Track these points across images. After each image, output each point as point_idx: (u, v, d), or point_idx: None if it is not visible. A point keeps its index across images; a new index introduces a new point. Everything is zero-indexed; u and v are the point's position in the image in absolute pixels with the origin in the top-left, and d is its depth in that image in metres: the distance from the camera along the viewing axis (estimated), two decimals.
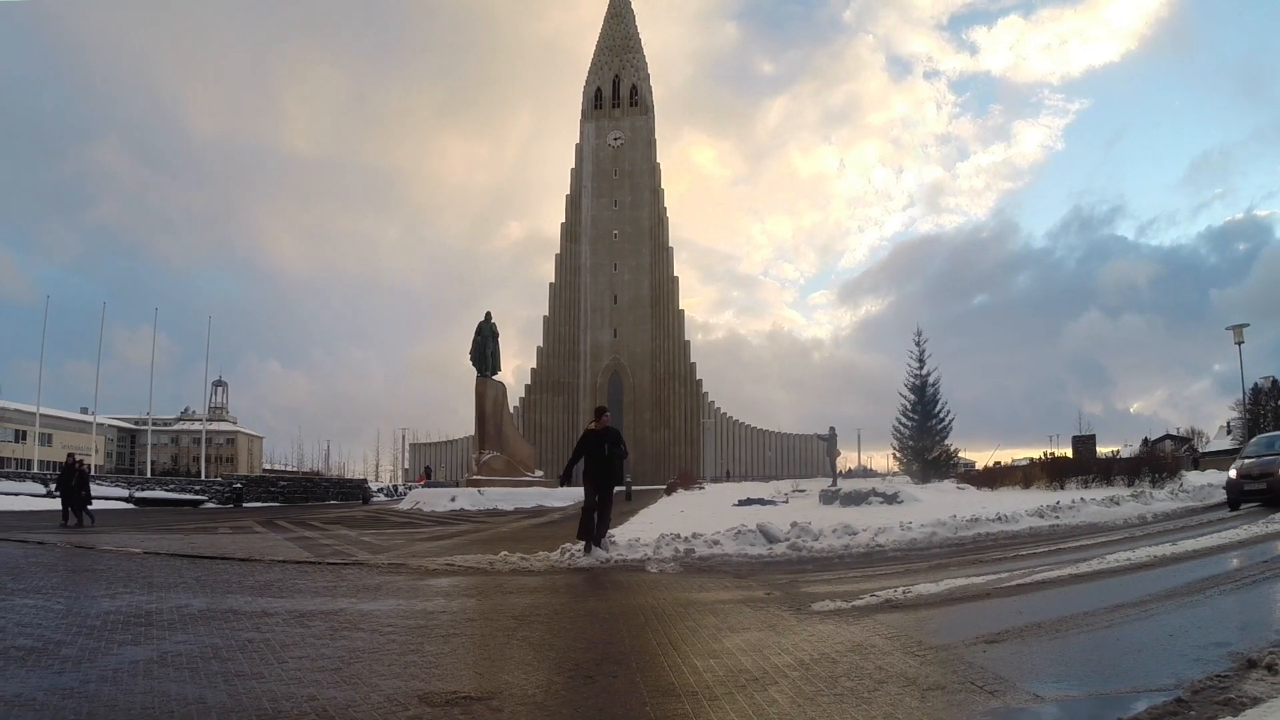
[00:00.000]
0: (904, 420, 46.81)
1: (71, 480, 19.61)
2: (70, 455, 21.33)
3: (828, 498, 23.86)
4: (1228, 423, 45.96)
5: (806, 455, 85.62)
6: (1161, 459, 28.12)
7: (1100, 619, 3.96)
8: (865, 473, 69.81)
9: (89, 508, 20.26)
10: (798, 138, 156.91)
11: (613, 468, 14.20)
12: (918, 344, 46.49)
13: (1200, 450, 49.98)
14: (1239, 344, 26.22)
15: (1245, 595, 3.70)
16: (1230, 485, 14.62)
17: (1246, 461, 14.44)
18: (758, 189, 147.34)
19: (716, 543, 12.08)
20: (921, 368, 46.16)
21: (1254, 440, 16.73)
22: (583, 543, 12.92)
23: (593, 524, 13.25)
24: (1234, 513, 13.56)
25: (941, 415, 45.98)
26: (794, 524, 12.96)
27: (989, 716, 3.45)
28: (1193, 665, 3.39)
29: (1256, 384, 38.83)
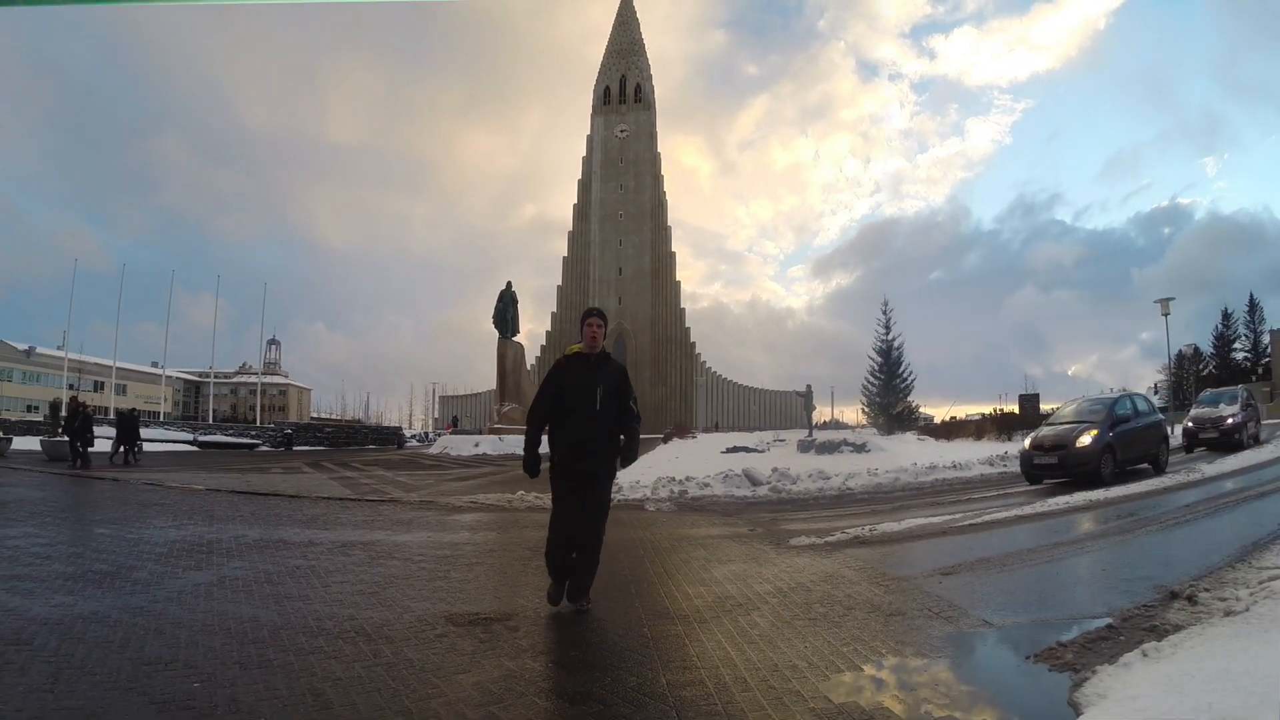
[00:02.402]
0: (871, 379, 47.08)
1: (75, 423, 17.61)
2: (73, 398, 18.85)
3: (804, 446, 23.82)
4: (1154, 384, 46.05)
5: (786, 409, 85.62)
6: None
7: (1042, 555, 3.96)
8: (837, 425, 69.82)
9: (92, 450, 18.80)
10: (778, 131, 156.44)
11: (606, 439, 6.02)
12: (884, 314, 46.72)
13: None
14: (1165, 315, 26.13)
15: (1170, 535, 3.70)
16: (1023, 458, 11.20)
17: (1042, 430, 11.14)
18: (743, 176, 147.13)
19: (707, 485, 11.98)
20: (888, 334, 46.42)
21: (1073, 403, 11.81)
22: (550, 586, 5.13)
23: (565, 558, 5.33)
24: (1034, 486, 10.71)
25: (904, 375, 46.28)
26: (774, 469, 12.86)
27: (944, 639, 3.47)
28: (1123, 596, 3.40)
29: (1180, 350, 38.73)
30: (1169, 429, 10.96)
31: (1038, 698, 3.20)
